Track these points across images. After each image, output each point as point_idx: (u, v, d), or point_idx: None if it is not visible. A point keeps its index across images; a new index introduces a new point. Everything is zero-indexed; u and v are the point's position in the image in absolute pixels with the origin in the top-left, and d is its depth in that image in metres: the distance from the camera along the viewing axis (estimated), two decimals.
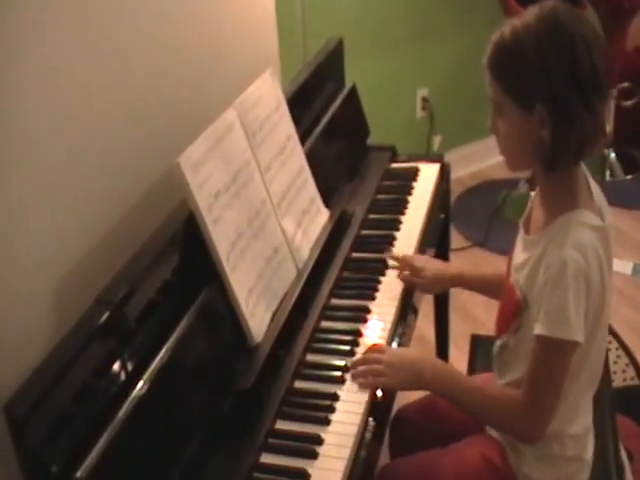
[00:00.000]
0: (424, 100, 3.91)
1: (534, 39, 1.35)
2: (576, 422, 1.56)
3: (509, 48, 1.38)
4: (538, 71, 1.35)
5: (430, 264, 1.93)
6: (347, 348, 1.68)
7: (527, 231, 1.55)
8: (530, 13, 1.38)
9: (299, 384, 1.60)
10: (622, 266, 2.74)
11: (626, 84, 3.67)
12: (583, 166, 1.49)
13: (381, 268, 1.95)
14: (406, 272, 1.90)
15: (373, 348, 1.64)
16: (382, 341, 1.70)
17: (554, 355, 1.41)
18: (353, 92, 2.45)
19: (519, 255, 1.53)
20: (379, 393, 1.59)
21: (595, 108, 1.36)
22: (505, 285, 1.59)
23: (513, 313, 1.53)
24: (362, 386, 1.57)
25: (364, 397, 1.55)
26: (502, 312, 1.61)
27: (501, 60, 1.40)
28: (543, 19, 1.36)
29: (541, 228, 1.48)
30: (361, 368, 1.59)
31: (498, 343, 1.63)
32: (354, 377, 1.59)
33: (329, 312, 1.81)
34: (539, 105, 1.35)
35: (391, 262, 1.95)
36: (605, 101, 1.39)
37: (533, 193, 1.61)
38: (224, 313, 1.57)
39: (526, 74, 1.36)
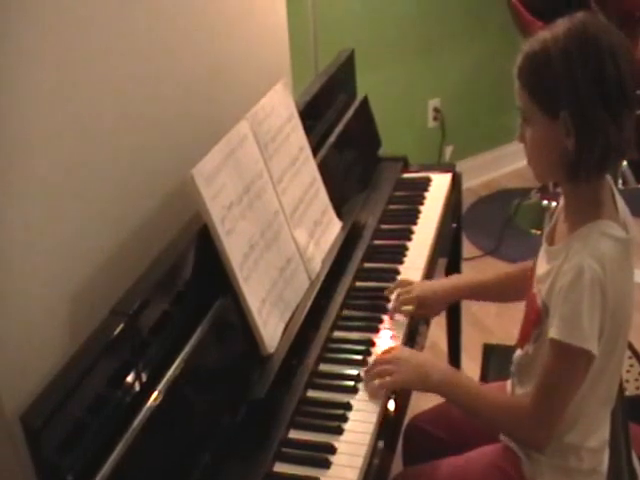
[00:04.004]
0: (436, 110, 3.91)
1: (561, 49, 1.36)
2: (594, 436, 1.57)
3: (537, 57, 1.40)
4: (564, 79, 1.36)
5: (428, 289, 1.89)
6: (360, 358, 1.69)
7: (551, 243, 1.55)
8: (560, 25, 1.40)
9: (312, 393, 1.61)
10: (637, 275, 2.72)
11: (639, 92, 3.67)
12: (609, 179, 1.49)
13: (393, 278, 1.96)
14: (409, 308, 1.85)
15: (385, 350, 1.67)
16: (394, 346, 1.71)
17: (565, 361, 1.41)
18: (365, 103, 2.46)
19: (542, 266, 1.53)
20: (391, 406, 1.60)
21: (621, 119, 1.37)
22: (528, 296, 1.60)
23: (534, 322, 1.53)
24: (371, 389, 1.59)
25: (377, 406, 1.56)
26: (525, 323, 1.61)
27: (529, 68, 1.42)
28: (572, 30, 1.38)
29: (564, 238, 1.49)
30: (373, 371, 1.61)
31: (519, 353, 1.63)
32: (366, 379, 1.61)
33: (342, 322, 1.81)
34: (564, 113, 1.37)
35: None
36: (632, 111, 1.40)
37: (557, 205, 1.61)
38: (237, 323, 1.58)
39: (552, 82, 1.38)
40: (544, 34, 1.41)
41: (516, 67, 1.44)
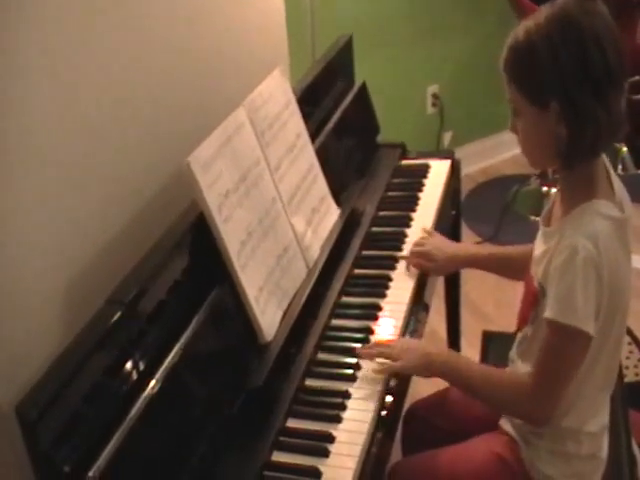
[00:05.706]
0: (434, 97, 3.90)
1: (544, 37, 1.36)
2: (593, 420, 1.57)
3: (521, 48, 1.40)
4: (549, 69, 1.36)
5: (441, 247, 1.95)
6: (358, 346, 1.68)
7: (547, 225, 1.56)
8: (542, 12, 1.39)
9: (310, 382, 1.61)
10: (635, 261, 2.72)
11: (637, 78, 3.65)
12: (605, 159, 1.49)
13: (392, 265, 1.95)
14: (417, 259, 1.92)
15: (384, 343, 1.66)
16: (394, 338, 1.71)
17: (561, 341, 1.41)
18: (363, 90, 2.45)
19: (539, 247, 1.54)
20: (390, 394, 1.59)
21: (609, 102, 1.36)
22: (526, 278, 1.60)
23: (531, 303, 1.54)
24: (377, 372, 1.59)
25: (375, 394, 1.55)
26: (523, 305, 1.62)
27: (514, 61, 1.42)
28: (553, 17, 1.37)
29: (560, 219, 1.49)
30: (378, 360, 1.60)
31: (519, 336, 1.64)
32: (365, 357, 1.62)
33: (340, 310, 1.81)
34: (553, 102, 1.36)
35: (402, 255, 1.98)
36: (621, 93, 1.39)
37: (553, 190, 1.61)
38: (235, 312, 1.57)
39: (538, 72, 1.38)
40: (526, 24, 1.40)
41: (502, 60, 1.44)
